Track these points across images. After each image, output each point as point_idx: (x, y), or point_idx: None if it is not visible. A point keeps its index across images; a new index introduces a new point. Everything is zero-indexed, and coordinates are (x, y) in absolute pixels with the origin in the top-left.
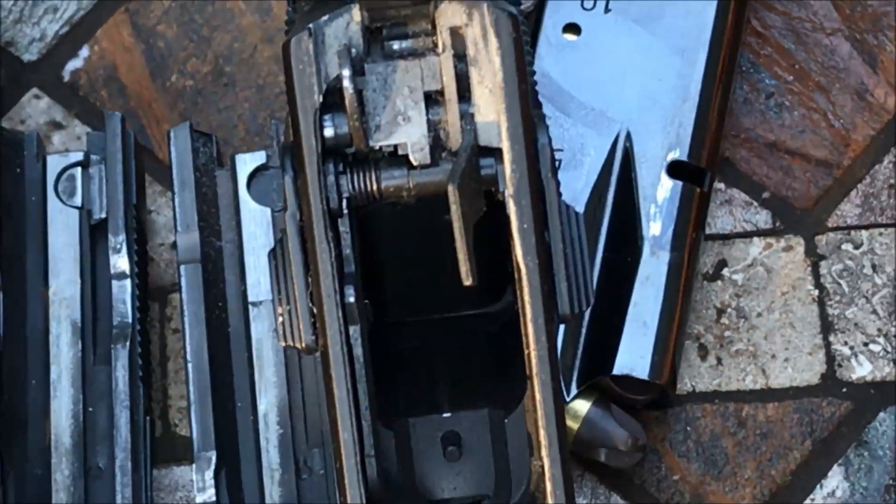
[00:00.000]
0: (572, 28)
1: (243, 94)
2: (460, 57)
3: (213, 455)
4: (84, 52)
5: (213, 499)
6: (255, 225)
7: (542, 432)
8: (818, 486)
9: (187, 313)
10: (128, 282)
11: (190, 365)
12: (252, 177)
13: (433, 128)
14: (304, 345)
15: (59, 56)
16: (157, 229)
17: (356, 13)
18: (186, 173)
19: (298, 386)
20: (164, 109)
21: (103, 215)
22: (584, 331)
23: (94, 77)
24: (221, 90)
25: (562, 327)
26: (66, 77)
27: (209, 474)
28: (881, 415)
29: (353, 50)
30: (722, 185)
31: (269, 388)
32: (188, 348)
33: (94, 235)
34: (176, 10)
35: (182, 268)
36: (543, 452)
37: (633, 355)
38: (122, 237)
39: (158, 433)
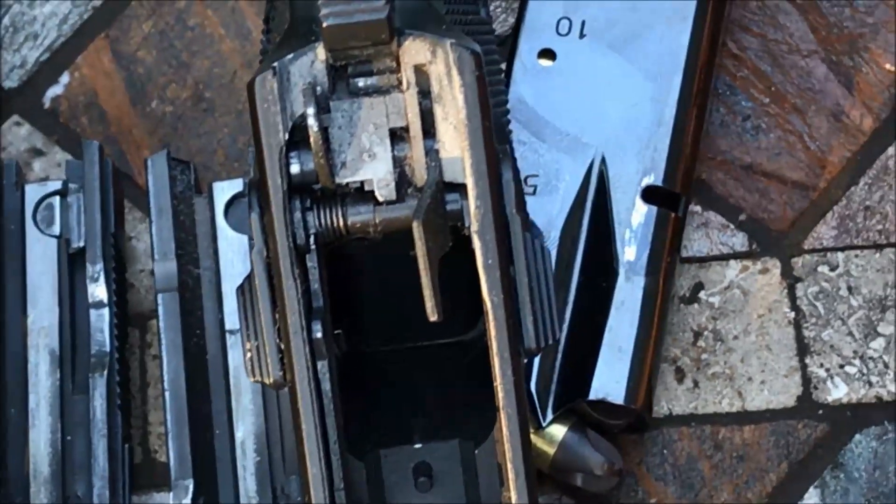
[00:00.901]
0: (547, 53)
1: (223, 119)
2: (425, 94)
3: (191, 483)
4: (65, 78)
5: None
6: (233, 252)
7: (509, 465)
8: None
9: (165, 341)
10: (106, 310)
11: (167, 393)
12: (229, 204)
13: (399, 164)
14: (272, 380)
15: (39, 83)
16: (137, 256)
17: (320, 51)
18: (164, 201)
19: (276, 414)
20: (144, 135)
21: (81, 244)
22: (559, 356)
23: (75, 103)
24: (201, 116)
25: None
26: (47, 104)
27: (186, 502)
28: (857, 437)
29: (318, 88)
30: (698, 208)
31: (247, 415)
32: (165, 376)
33: (72, 264)
34: (155, 37)
35: (160, 296)
36: (511, 485)
37: (609, 380)
38: (99, 266)
39: (138, 459)
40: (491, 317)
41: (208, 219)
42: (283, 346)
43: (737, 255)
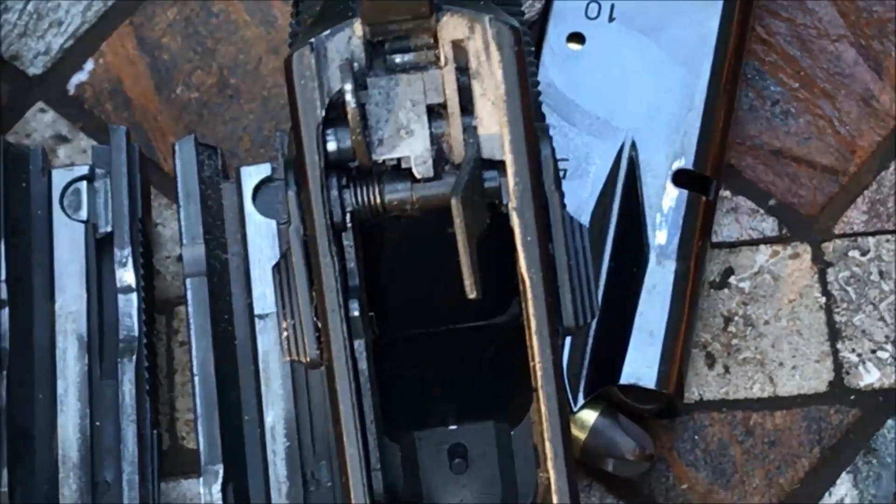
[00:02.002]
0: (576, 37)
1: (248, 105)
2: (463, 70)
3: (220, 468)
4: (89, 65)
5: None
6: (261, 237)
7: (547, 444)
8: (827, 494)
9: (193, 326)
10: (134, 295)
11: (196, 378)
12: (257, 189)
13: (436, 141)
14: (308, 359)
15: (63, 70)
16: (163, 242)
17: (357, 27)
18: (191, 186)
19: (305, 398)
20: (169, 122)
21: (109, 229)
22: (590, 341)
23: (99, 90)
24: (226, 102)
25: (569, 338)
26: (72, 90)
27: (216, 488)
28: (889, 422)
29: (356, 64)
30: (728, 193)
31: (276, 400)
32: (194, 361)
33: (99, 249)
34: (180, 23)
35: (188, 281)
36: (549, 464)
37: (640, 365)
38: (127, 251)
39: (166, 446)
40: (529, 294)
41: (236, 204)
42: (319, 325)
43: (767, 240)
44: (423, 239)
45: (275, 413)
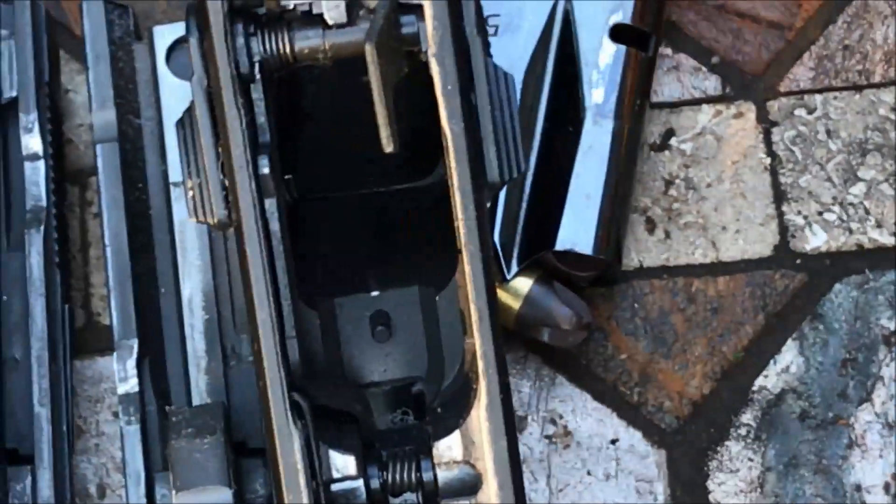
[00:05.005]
0: None
1: None
2: None
3: (135, 343)
4: None
5: (136, 389)
6: (176, 101)
7: (472, 307)
8: (772, 362)
9: (105, 195)
10: (41, 163)
11: (108, 249)
12: (171, 50)
13: None
14: (216, 220)
15: None
16: (75, 109)
17: None
18: (101, 47)
19: (224, 269)
20: None
21: (14, 94)
22: (524, 205)
23: None
24: None
25: (501, 202)
26: None
27: (131, 363)
28: (837, 286)
29: None
30: (669, 51)
31: (194, 271)
32: (106, 232)
33: (4, 115)
34: None
35: (98, 147)
36: (474, 329)
37: (576, 229)
38: (33, 116)
39: (81, 323)
40: (451, 147)
41: (149, 66)
42: (227, 183)
43: (709, 100)
44: (342, 93)
45: (192, 284)
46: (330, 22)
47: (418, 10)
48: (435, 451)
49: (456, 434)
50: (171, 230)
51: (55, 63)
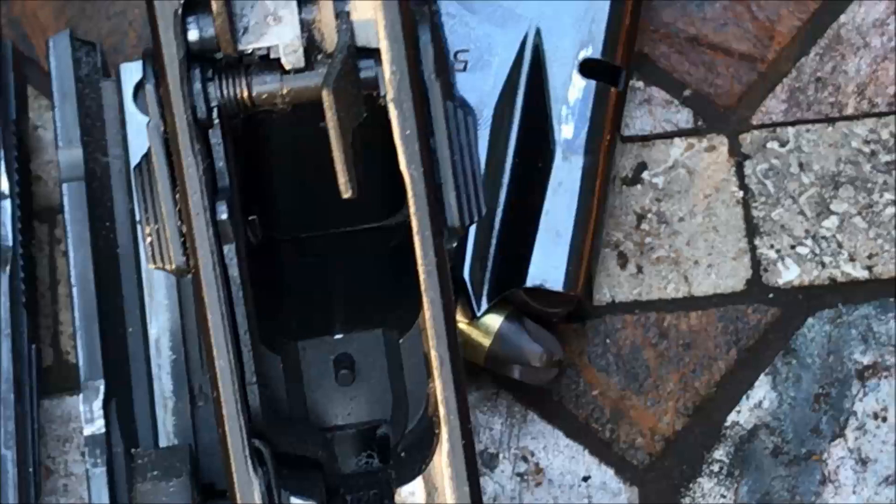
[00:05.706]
0: None
1: None
2: None
3: (102, 384)
4: None
5: (102, 430)
6: (144, 139)
7: (433, 352)
8: (744, 398)
9: (71, 234)
10: (8, 202)
11: (75, 289)
12: (139, 87)
13: (306, 28)
14: (174, 266)
15: None
16: (44, 146)
17: None
18: (67, 85)
19: (192, 309)
20: (48, 17)
21: None
22: (494, 241)
23: None
24: None
25: (471, 238)
26: None
27: (97, 404)
28: (809, 321)
29: None
30: (640, 84)
31: (161, 311)
32: (73, 271)
33: None
34: None
35: (64, 186)
36: (435, 375)
37: (547, 266)
38: (0, 155)
39: (49, 361)
40: (410, 192)
41: (116, 103)
42: (185, 230)
43: (681, 133)
44: (303, 136)
45: (159, 324)
46: (287, 67)
47: (376, 55)
48: (398, 497)
49: (419, 479)
50: (138, 269)
51: (23, 100)
